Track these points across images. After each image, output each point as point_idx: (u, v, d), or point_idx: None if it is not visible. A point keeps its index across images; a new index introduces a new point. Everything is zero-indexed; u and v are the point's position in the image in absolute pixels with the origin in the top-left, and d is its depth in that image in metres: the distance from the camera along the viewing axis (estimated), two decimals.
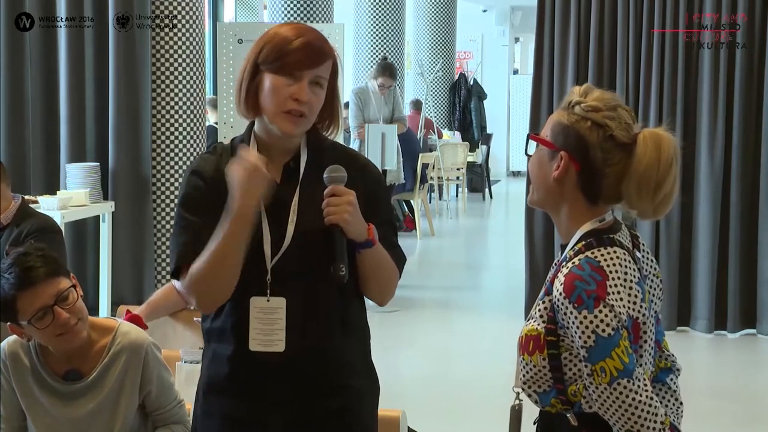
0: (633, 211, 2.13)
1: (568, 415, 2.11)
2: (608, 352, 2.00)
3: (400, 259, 2.39)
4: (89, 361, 2.73)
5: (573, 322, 2.02)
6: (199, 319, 3.66)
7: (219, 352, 2.35)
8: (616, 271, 2.04)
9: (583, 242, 2.10)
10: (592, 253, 2.06)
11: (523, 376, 2.15)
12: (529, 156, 2.21)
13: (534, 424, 2.25)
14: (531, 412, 2.27)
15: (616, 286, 2.03)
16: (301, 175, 2.31)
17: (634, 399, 2.00)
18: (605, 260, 2.05)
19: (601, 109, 2.10)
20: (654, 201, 2.08)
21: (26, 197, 4.60)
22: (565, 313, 2.04)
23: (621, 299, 2.03)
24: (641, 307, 2.07)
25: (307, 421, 2.33)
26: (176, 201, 2.36)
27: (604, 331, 2.00)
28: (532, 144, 2.20)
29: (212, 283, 2.23)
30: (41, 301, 2.61)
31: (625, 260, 2.07)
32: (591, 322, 2.00)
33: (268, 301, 2.27)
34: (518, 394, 2.26)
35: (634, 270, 2.08)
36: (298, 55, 2.23)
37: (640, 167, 2.07)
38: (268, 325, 2.27)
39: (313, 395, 2.32)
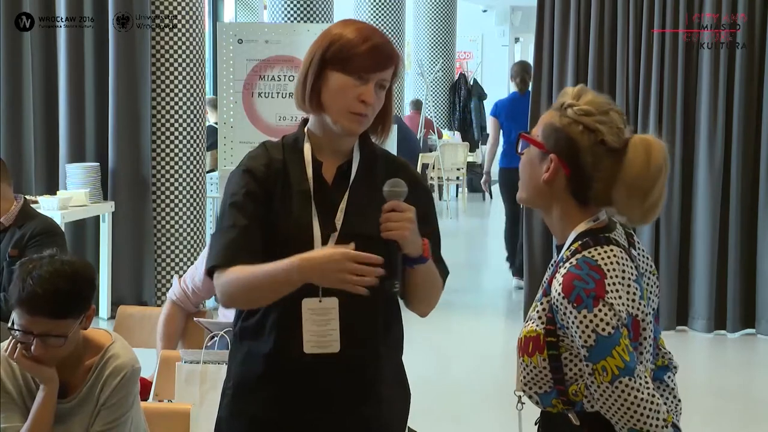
0: (622, 216, 2.13)
1: (569, 414, 2.11)
2: (609, 350, 2.00)
3: (444, 273, 2.38)
4: (76, 377, 2.72)
5: (573, 322, 2.02)
6: (200, 319, 3.68)
7: (254, 350, 2.31)
8: (614, 270, 2.04)
9: (579, 242, 2.10)
10: (589, 252, 2.06)
11: (524, 377, 2.14)
12: (521, 154, 2.21)
13: (535, 424, 2.24)
14: (532, 412, 2.27)
15: (614, 284, 2.03)
16: (352, 179, 2.31)
17: (636, 397, 2.00)
18: (602, 259, 2.05)
19: (593, 113, 2.10)
20: (642, 207, 2.08)
21: (27, 197, 4.59)
22: (564, 313, 2.03)
23: (620, 297, 2.03)
24: (640, 304, 2.07)
25: (338, 427, 2.30)
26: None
27: (604, 330, 2.00)
28: (524, 141, 2.20)
29: (247, 299, 2.25)
30: (29, 324, 2.61)
31: (622, 258, 2.07)
32: (591, 321, 2.00)
33: (320, 301, 2.25)
34: (520, 397, 2.25)
35: (631, 268, 2.08)
36: (368, 57, 2.23)
37: (630, 174, 2.07)
38: (321, 326, 2.24)
39: (346, 400, 2.29)
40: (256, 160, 2.32)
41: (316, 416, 2.29)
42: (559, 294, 2.04)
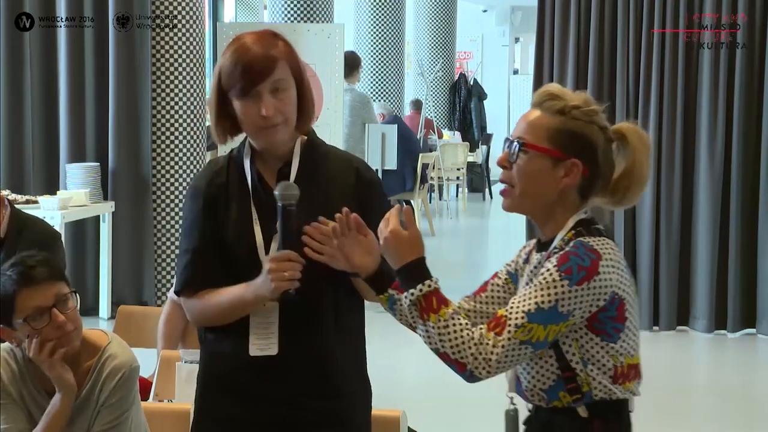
0: (613, 200, 2.16)
1: (578, 408, 2.09)
2: (552, 322, 2.00)
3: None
4: (76, 380, 2.70)
5: (546, 279, 2.01)
6: None
7: (216, 351, 2.39)
8: (609, 254, 2.07)
9: (573, 231, 2.12)
10: (585, 238, 2.09)
11: (528, 373, 2.13)
12: (510, 163, 2.15)
13: (523, 424, 2.22)
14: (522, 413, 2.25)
15: (608, 267, 2.05)
16: (292, 180, 2.33)
17: (499, 354, 2.00)
18: (598, 245, 2.08)
19: (598, 112, 2.14)
20: (641, 189, 2.16)
21: (18, 197, 4.49)
22: (543, 274, 2.03)
23: (610, 279, 2.04)
24: (629, 289, 2.09)
25: (302, 423, 2.35)
26: (177, 203, 2.43)
27: (563, 306, 2.00)
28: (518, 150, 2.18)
29: (214, 322, 2.37)
30: (41, 299, 2.61)
31: (615, 248, 2.11)
32: (563, 292, 2.00)
33: (264, 305, 2.31)
34: (512, 399, 2.24)
35: (622, 258, 2.12)
36: (247, 75, 2.26)
37: (638, 161, 2.14)
38: (265, 329, 2.31)
39: (306, 397, 2.34)
40: (199, 180, 2.42)
41: (279, 413, 2.34)
42: (552, 266, 2.03)
